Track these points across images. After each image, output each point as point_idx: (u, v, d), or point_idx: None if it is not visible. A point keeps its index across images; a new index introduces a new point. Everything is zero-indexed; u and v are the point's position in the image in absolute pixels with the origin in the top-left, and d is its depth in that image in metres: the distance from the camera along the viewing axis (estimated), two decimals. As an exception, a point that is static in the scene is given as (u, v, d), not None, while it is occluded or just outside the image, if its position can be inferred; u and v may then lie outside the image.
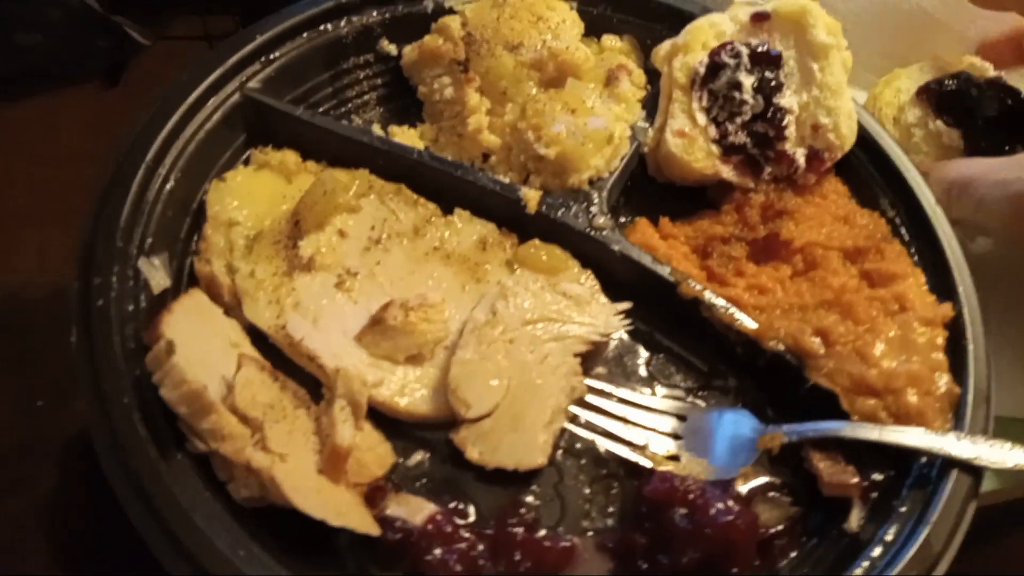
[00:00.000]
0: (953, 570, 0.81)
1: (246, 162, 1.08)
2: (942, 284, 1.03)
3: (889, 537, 0.83)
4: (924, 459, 0.89)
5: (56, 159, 1.35)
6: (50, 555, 0.98)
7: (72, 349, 0.81)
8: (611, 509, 0.91)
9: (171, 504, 0.73)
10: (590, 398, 0.96)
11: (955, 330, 0.98)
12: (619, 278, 1.05)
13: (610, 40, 1.27)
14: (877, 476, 0.90)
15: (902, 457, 0.90)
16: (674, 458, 0.92)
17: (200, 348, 0.83)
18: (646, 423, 0.95)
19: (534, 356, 0.94)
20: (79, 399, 0.80)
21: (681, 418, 0.96)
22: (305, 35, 1.13)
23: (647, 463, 0.91)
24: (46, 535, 0.99)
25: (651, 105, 1.19)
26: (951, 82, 1.24)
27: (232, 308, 0.95)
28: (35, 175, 1.33)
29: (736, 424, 0.94)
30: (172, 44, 1.56)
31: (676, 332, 1.04)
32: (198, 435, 0.77)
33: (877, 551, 0.82)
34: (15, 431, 1.05)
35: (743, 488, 0.93)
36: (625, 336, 1.05)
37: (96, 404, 0.77)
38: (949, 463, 0.86)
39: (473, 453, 0.88)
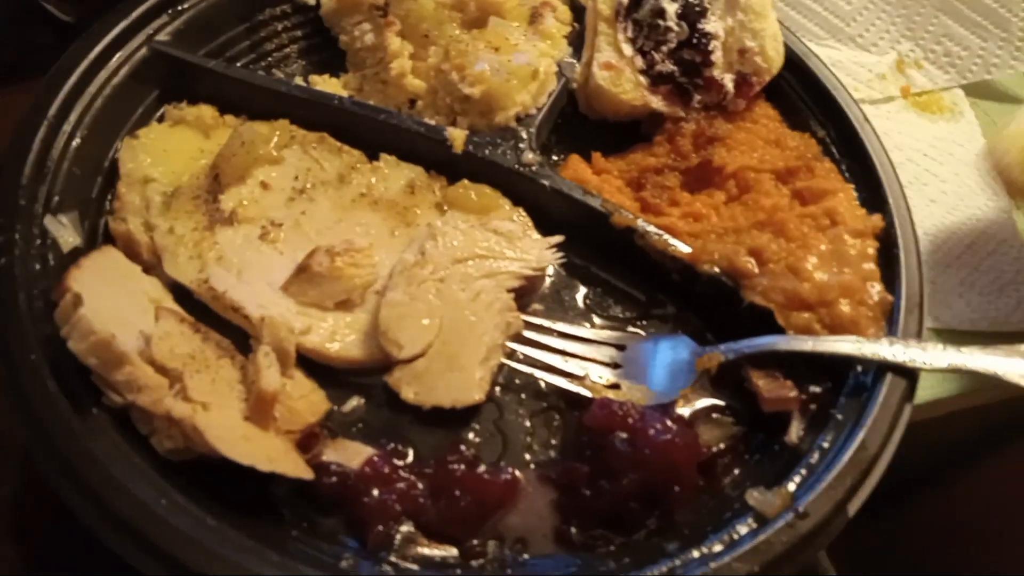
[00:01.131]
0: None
1: (160, 119, 1.04)
2: (873, 198, 1.03)
3: (826, 444, 0.83)
4: (859, 368, 0.89)
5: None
6: (17, 557, 0.95)
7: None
8: (553, 441, 0.90)
9: (87, 460, 0.70)
10: (528, 333, 0.94)
11: (886, 241, 0.98)
12: (552, 214, 1.03)
13: (534, -22, 1.24)
14: (815, 388, 0.91)
15: (838, 368, 0.90)
16: (615, 387, 0.91)
17: (113, 303, 0.80)
18: (585, 354, 0.93)
19: (466, 294, 0.93)
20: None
21: (620, 348, 0.95)
22: (215, -16, 1.09)
23: (587, 393, 0.90)
24: (11, 538, 0.96)
25: (578, 42, 1.18)
26: None
27: (152, 266, 0.93)
28: None
29: (674, 349, 0.94)
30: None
31: (612, 264, 1.04)
32: (113, 388, 0.74)
33: (815, 457, 0.82)
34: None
35: (685, 411, 0.92)
36: (562, 271, 1.04)
37: (3, 363, 0.74)
38: (883, 368, 0.86)
39: (408, 394, 0.87)
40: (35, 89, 1.33)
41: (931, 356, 0.86)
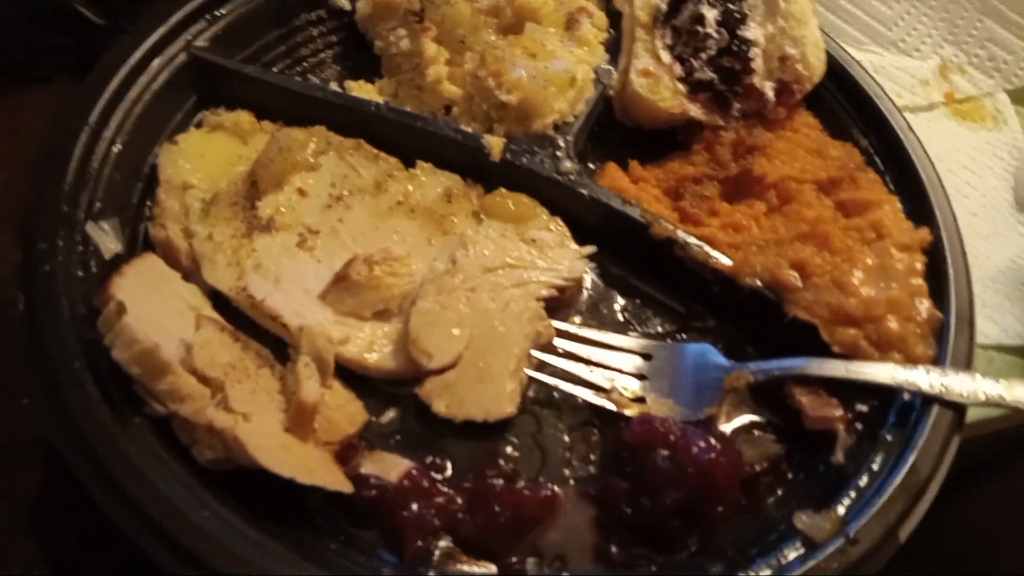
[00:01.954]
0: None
1: (198, 124, 1.04)
2: (919, 210, 1.01)
3: (875, 466, 0.81)
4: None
5: (20, 160, 1.29)
6: (34, 556, 0.94)
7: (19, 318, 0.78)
8: (592, 456, 0.89)
9: (126, 468, 0.70)
10: (557, 342, 0.93)
11: (934, 255, 0.96)
12: (590, 224, 1.02)
13: (571, -17, 1.23)
14: (861, 407, 0.89)
15: (885, 387, 0.88)
16: (640, 400, 0.89)
17: (154, 311, 0.80)
18: (612, 364, 0.92)
19: (496, 303, 0.92)
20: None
21: (647, 357, 0.93)
22: (252, -10, 1.08)
23: (611, 407, 0.88)
24: (30, 536, 0.96)
25: (615, 48, 1.16)
26: None
27: (191, 273, 0.92)
28: (7, 177, 1.27)
29: (702, 362, 0.92)
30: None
31: (651, 275, 1.02)
32: (155, 397, 0.74)
33: (864, 480, 0.80)
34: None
35: (726, 427, 0.91)
36: (600, 282, 1.03)
37: (43, 371, 0.74)
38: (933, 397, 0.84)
39: (440, 406, 0.86)
40: (61, 87, 1.35)
41: (968, 387, 0.84)
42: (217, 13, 1.05)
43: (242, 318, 0.90)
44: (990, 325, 1.10)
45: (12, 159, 1.27)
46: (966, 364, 0.87)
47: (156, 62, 0.99)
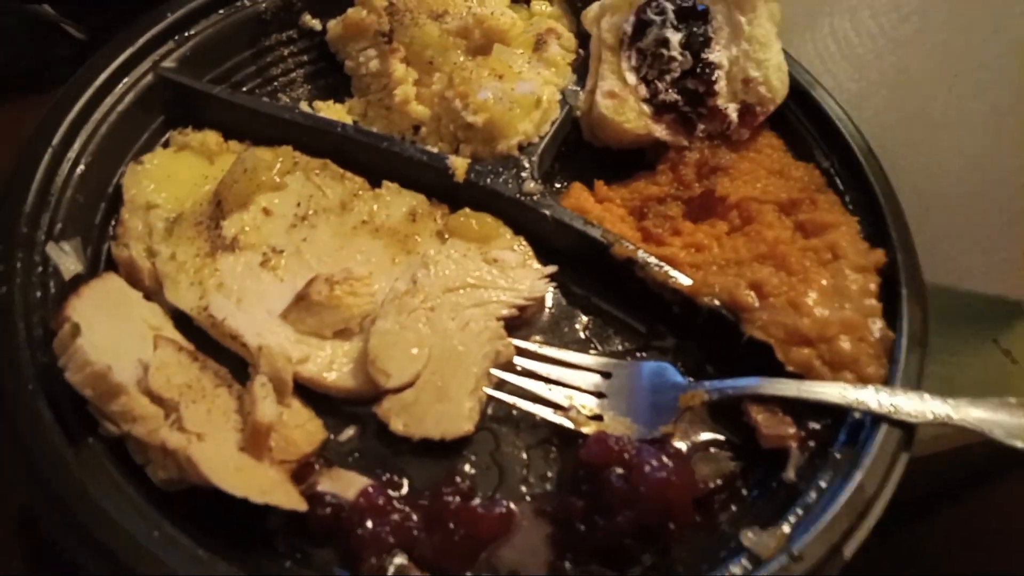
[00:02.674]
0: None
1: (165, 144, 1.05)
2: (876, 232, 1.02)
3: (823, 484, 0.82)
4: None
5: None
6: (26, 573, 0.95)
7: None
8: (549, 474, 0.90)
9: (77, 492, 0.70)
10: (517, 360, 0.94)
11: (889, 276, 0.97)
12: (554, 243, 1.03)
13: (540, 5, 1.25)
14: (814, 425, 0.90)
15: (837, 406, 0.89)
16: (597, 417, 0.90)
17: (112, 331, 0.80)
18: (571, 382, 0.93)
19: (455, 323, 0.93)
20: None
21: (606, 375, 0.94)
22: (221, 11, 1.10)
23: (570, 425, 0.89)
24: (20, 552, 0.96)
25: (582, 69, 1.18)
26: None
27: (153, 292, 0.93)
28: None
29: (659, 381, 0.93)
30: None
31: (613, 295, 1.03)
32: (108, 418, 0.75)
33: (811, 497, 0.81)
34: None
35: (683, 444, 0.92)
36: (563, 301, 1.04)
37: (-1, 393, 0.75)
38: (881, 416, 0.85)
39: (397, 425, 0.87)
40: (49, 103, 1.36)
41: (916, 407, 0.85)
42: (186, 34, 1.07)
43: (204, 337, 0.91)
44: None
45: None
46: (917, 383, 0.88)
47: (123, 83, 1.00)
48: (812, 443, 0.89)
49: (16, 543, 0.95)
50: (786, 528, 0.78)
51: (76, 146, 0.93)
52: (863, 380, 0.89)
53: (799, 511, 0.80)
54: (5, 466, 0.72)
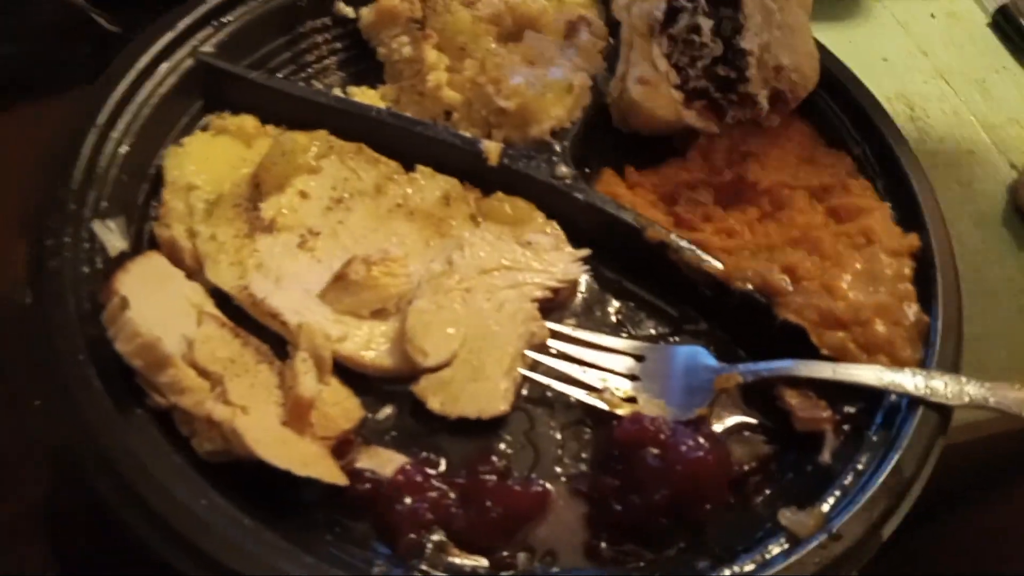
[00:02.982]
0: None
1: (204, 128, 1.07)
2: (910, 216, 1.02)
3: (860, 466, 0.82)
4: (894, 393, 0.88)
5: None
6: (45, 560, 0.97)
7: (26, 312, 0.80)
8: (584, 455, 0.90)
9: (129, 457, 0.72)
10: (551, 343, 0.95)
11: (923, 261, 0.98)
12: (585, 228, 1.04)
13: (570, -7, 1.26)
14: (849, 409, 0.90)
15: (872, 389, 0.89)
16: (631, 400, 0.91)
17: (158, 306, 0.82)
18: (604, 364, 0.93)
19: (491, 304, 0.94)
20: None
21: (639, 358, 0.94)
22: (258, -1, 1.11)
23: (604, 406, 0.90)
24: (41, 539, 0.98)
25: (613, 56, 1.18)
26: None
27: (194, 271, 0.94)
28: (25, 186, 1.30)
29: (692, 364, 0.93)
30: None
31: (645, 279, 1.04)
32: (157, 389, 0.76)
33: (848, 479, 0.81)
34: (11, 434, 1.03)
35: (717, 427, 0.92)
36: (595, 285, 1.04)
37: (49, 363, 0.76)
38: (918, 399, 0.85)
39: (434, 403, 0.88)
40: (74, 100, 1.38)
41: (953, 389, 0.85)
42: (224, 20, 1.08)
43: (243, 316, 0.92)
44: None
45: (36, 167, 1.31)
46: (953, 367, 0.88)
47: (163, 67, 1.01)
48: (847, 427, 0.89)
49: (38, 539, 0.96)
50: (824, 508, 0.78)
51: (120, 126, 0.94)
52: (898, 363, 0.89)
53: (836, 492, 0.80)
54: (48, 436, 0.74)
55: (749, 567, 0.74)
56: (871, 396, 0.89)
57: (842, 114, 1.14)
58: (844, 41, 1.46)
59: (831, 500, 0.79)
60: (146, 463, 0.72)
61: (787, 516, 0.78)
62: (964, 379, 0.86)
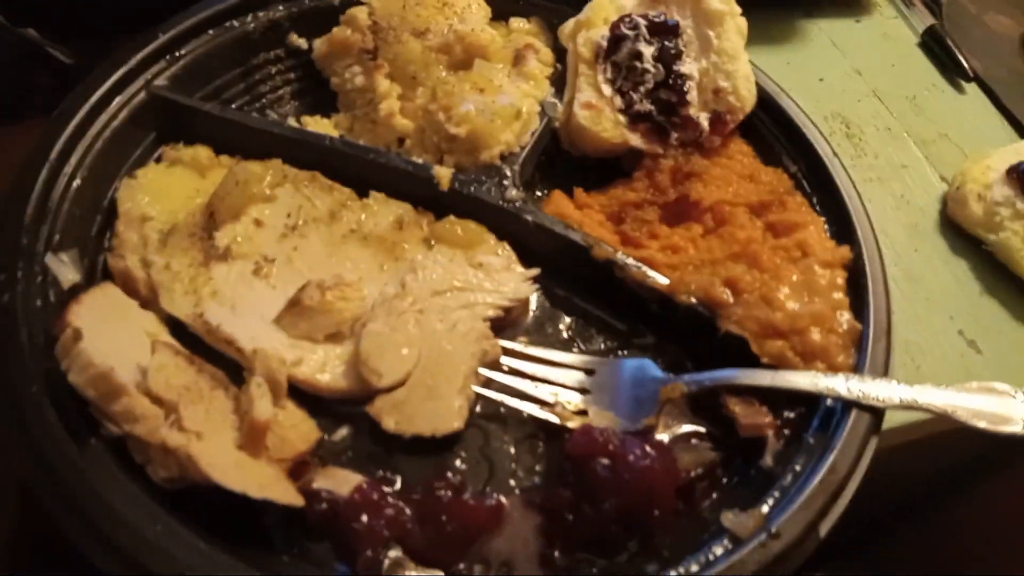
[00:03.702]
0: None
1: (158, 159, 1.08)
2: (843, 230, 1.07)
3: (798, 467, 0.86)
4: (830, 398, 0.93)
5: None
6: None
7: None
8: (537, 468, 0.93)
9: (84, 487, 0.73)
10: (504, 360, 0.98)
11: (855, 271, 1.02)
12: (536, 248, 1.07)
13: (518, 22, 1.30)
14: (789, 414, 0.94)
15: (809, 394, 0.93)
16: (582, 412, 0.94)
17: (111, 337, 0.83)
18: (556, 379, 0.96)
19: (444, 324, 0.96)
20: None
21: (589, 372, 0.98)
22: (211, 32, 1.14)
23: (555, 420, 0.93)
24: (7, 570, 0.97)
25: (560, 82, 1.23)
26: None
27: (149, 301, 0.95)
28: None
29: (640, 376, 0.97)
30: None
31: (594, 295, 1.07)
32: (110, 418, 0.77)
33: (787, 480, 0.85)
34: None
35: (664, 436, 0.95)
36: (546, 303, 1.08)
37: (3, 396, 0.77)
38: (851, 401, 0.90)
39: (389, 423, 0.90)
40: (34, 129, 1.37)
41: (883, 392, 0.89)
42: (177, 53, 1.10)
43: (198, 343, 0.93)
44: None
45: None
46: (884, 371, 0.93)
47: (117, 100, 1.03)
48: (787, 431, 0.93)
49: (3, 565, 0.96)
50: (764, 509, 0.82)
51: (73, 161, 0.96)
52: (833, 369, 0.93)
53: (776, 493, 0.84)
54: (13, 470, 0.74)
55: (694, 568, 0.77)
56: (809, 401, 0.93)
57: (779, 134, 1.20)
58: (782, 63, 1.53)
59: (771, 501, 0.83)
60: (102, 493, 0.73)
61: (729, 518, 0.82)
62: (894, 382, 0.90)
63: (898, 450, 1.06)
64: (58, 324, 0.80)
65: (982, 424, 0.87)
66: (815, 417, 0.91)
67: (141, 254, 0.98)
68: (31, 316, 0.84)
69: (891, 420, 1.03)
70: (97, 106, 1.00)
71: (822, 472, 0.83)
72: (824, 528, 0.80)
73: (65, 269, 0.91)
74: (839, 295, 0.99)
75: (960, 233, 1.31)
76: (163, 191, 1.04)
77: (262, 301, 0.97)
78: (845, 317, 0.97)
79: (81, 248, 0.94)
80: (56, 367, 0.79)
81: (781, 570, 0.77)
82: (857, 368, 0.93)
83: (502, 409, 0.96)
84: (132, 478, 0.78)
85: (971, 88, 1.58)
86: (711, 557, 0.78)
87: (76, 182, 0.96)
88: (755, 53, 1.24)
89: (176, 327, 0.94)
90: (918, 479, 1.42)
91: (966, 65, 1.58)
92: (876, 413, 0.89)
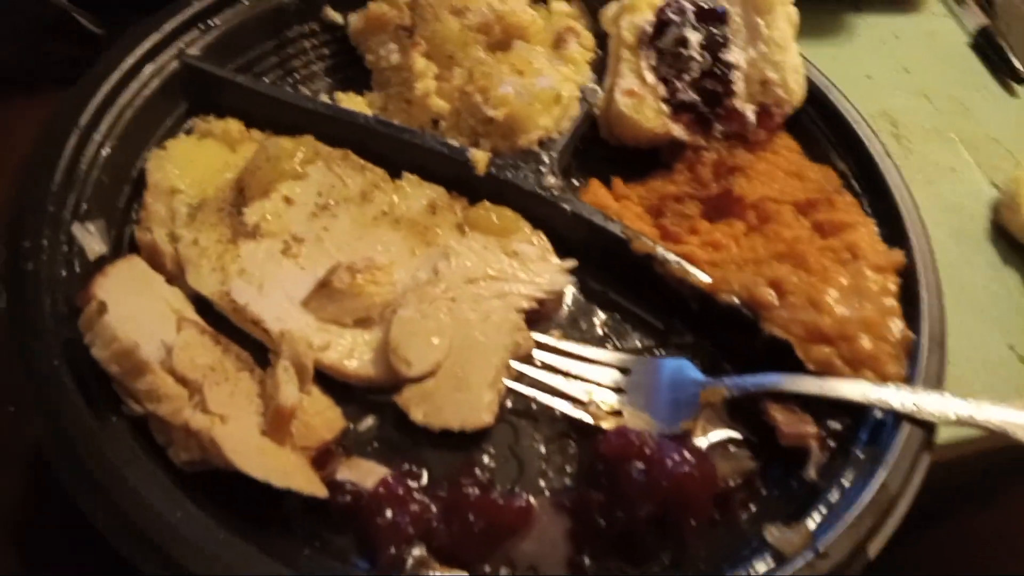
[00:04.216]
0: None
1: (188, 131, 1.06)
2: (894, 233, 1.03)
3: (846, 483, 0.82)
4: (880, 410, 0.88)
5: (13, 170, 1.30)
6: (20, 562, 0.94)
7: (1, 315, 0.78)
8: (568, 468, 0.90)
9: (105, 466, 0.70)
10: (537, 354, 0.94)
11: (908, 277, 0.98)
12: (572, 239, 1.04)
13: (559, 4, 1.27)
14: (834, 425, 0.90)
15: (858, 405, 0.89)
16: (617, 413, 0.90)
17: (136, 311, 0.80)
18: (590, 376, 0.93)
19: (476, 314, 0.93)
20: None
21: (624, 371, 0.94)
22: (246, 2, 1.11)
23: (589, 419, 0.89)
24: (14, 542, 0.95)
25: (601, 68, 1.19)
26: None
27: (175, 276, 0.93)
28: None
29: (679, 377, 0.93)
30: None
31: (631, 291, 1.04)
32: (133, 396, 0.75)
33: (835, 496, 0.81)
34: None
35: (702, 442, 0.92)
36: (580, 297, 1.04)
37: (24, 366, 0.74)
38: (904, 415, 0.85)
39: (417, 414, 0.86)
40: (47, 102, 1.35)
41: (937, 407, 0.85)
42: (211, 23, 1.07)
43: (224, 322, 0.91)
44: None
45: (9, 168, 1.28)
46: (937, 383, 0.89)
47: (148, 68, 1.00)
48: (832, 443, 0.89)
49: (10, 533, 0.94)
50: (811, 525, 0.78)
51: (103, 128, 0.93)
52: (883, 379, 0.89)
53: (823, 509, 0.80)
54: (20, 440, 0.72)
55: (734, 584, 0.73)
56: (856, 412, 0.89)
57: (828, 130, 1.15)
58: (828, 58, 1.46)
59: (817, 517, 0.79)
60: (122, 472, 0.70)
61: (773, 533, 0.78)
62: (949, 396, 0.86)
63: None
64: (83, 296, 0.78)
65: (1040, 443, 0.83)
66: (863, 430, 0.87)
67: (169, 228, 0.95)
68: (55, 285, 0.81)
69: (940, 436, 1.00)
70: (129, 73, 0.98)
71: (873, 489, 0.79)
72: (873, 548, 0.76)
73: (92, 239, 0.88)
74: (891, 301, 0.94)
75: (1012, 242, 1.26)
76: (193, 164, 1.01)
77: (290, 281, 0.94)
78: (898, 325, 0.93)
79: (108, 219, 0.92)
80: (78, 339, 0.76)
81: (826, 589, 0.74)
82: (909, 379, 0.89)
83: (533, 405, 0.93)
84: (152, 458, 0.75)
85: (1023, 91, 1.53)
86: (752, 573, 0.74)
87: (105, 150, 0.93)
88: (801, 46, 1.19)
89: (201, 304, 0.91)
90: (935, 488, 1.38)
91: (1020, 67, 1.53)
92: (929, 429, 0.84)
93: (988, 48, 1.58)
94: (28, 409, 0.74)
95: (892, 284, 0.96)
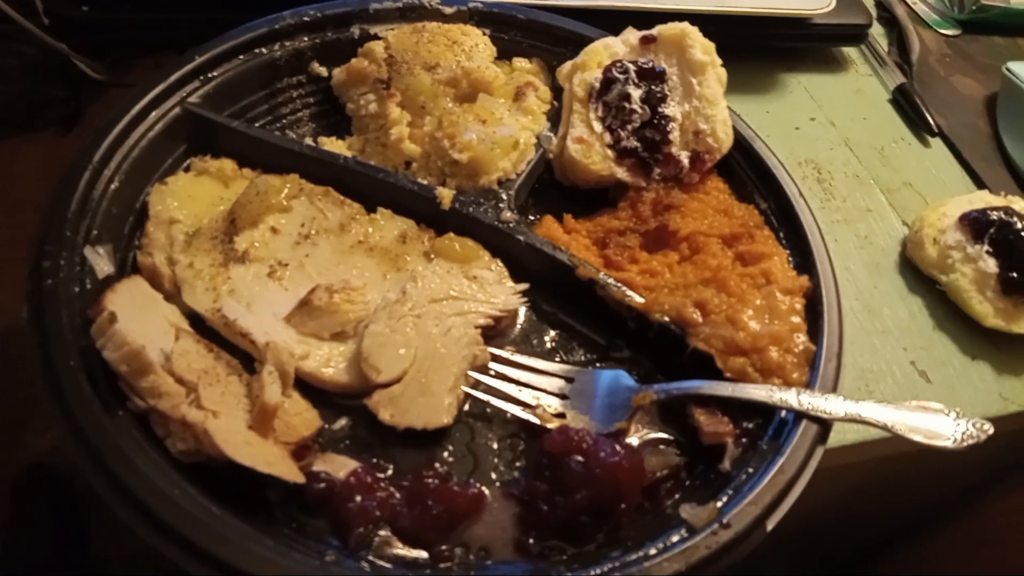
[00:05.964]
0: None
1: (187, 169, 1.19)
2: (804, 262, 1.18)
3: (751, 469, 0.96)
4: (783, 410, 1.02)
5: (9, 207, 1.40)
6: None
7: (24, 323, 0.90)
8: (517, 463, 1.02)
9: (114, 450, 0.82)
10: (493, 365, 1.07)
11: (813, 299, 1.13)
12: (526, 266, 1.18)
13: (520, 62, 1.43)
14: (748, 424, 1.03)
15: (768, 408, 1.03)
16: (560, 415, 1.03)
17: (140, 324, 0.92)
18: (538, 385, 1.06)
19: (439, 329, 1.06)
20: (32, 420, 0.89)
21: (569, 380, 1.07)
22: (242, 57, 1.25)
23: (536, 421, 1.02)
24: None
25: (556, 118, 1.35)
26: (995, 214, 1.35)
27: (172, 295, 1.05)
28: None
29: (615, 385, 1.06)
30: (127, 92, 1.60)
31: (577, 311, 1.17)
32: (138, 393, 0.86)
33: (742, 478, 0.95)
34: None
35: (634, 440, 1.05)
36: (533, 316, 1.18)
37: (45, 370, 0.86)
38: (801, 413, 1.00)
39: (385, 415, 0.99)
40: (47, 140, 1.44)
41: (830, 406, 0.99)
42: (210, 75, 1.22)
43: (215, 337, 1.03)
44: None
45: (5, 205, 1.39)
46: (833, 388, 1.03)
47: (154, 114, 1.14)
48: (745, 439, 1.02)
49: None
50: (718, 504, 0.91)
51: (112, 165, 1.06)
52: (788, 384, 1.03)
53: (730, 490, 0.93)
54: (58, 429, 0.83)
55: (652, 552, 0.86)
56: (766, 413, 1.03)
57: (752, 174, 1.31)
58: (762, 111, 1.65)
59: (725, 497, 0.92)
60: (129, 455, 0.82)
61: (687, 510, 0.91)
62: (841, 398, 1.00)
63: (899, 473, 1.14)
64: (96, 308, 0.90)
65: (918, 438, 0.97)
66: (770, 427, 1.01)
67: (167, 253, 1.08)
68: (70, 300, 0.93)
69: (845, 438, 1.14)
70: (136, 117, 1.11)
71: (771, 473, 0.92)
72: (771, 522, 0.89)
73: (100, 261, 1.00)
74: (797, 319, 1.09)
75: (917, 273, 1.43)
76: (190, 197, 1.14)
77: (275, 300, 1.07)
78: (801, 339, 1.07)
79: (115, 243, 1.04)
80: (90, 345, 0.88)
81: (729, 558, 0.86)
82: (809, 385, 1.03)
83: (488, 409, 1.06)
84: (153, 448, 0.87)
85: (936, 143, 1.71)
86: (667, 543, 0.87)
87: (114, 184, 1.06)
88: (737, 100, 1.36)
89: (196, 320, 1.04)
90: (919, 501, 1.49)
91: (932, 122, 1.72)
92: (824, 424, 0.98)
93: (906, 104, 1.77)
94: (49, 406, 0.85)
95: (798, 304, 1.11)
